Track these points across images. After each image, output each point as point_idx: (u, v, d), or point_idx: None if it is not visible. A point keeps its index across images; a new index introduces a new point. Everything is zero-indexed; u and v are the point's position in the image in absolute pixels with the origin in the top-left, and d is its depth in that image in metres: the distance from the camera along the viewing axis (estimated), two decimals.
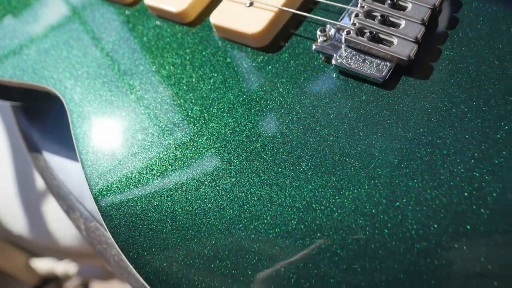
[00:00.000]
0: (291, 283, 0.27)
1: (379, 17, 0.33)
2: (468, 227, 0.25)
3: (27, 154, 0.52)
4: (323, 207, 0.28)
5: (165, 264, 0.29)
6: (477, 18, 0.33)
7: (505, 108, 0.29)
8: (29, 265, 0.91)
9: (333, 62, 0.33)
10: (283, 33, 0.37)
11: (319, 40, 0.35)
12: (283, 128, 0.32)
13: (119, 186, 0.33)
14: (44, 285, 0.93)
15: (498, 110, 0.29)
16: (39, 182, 0.74)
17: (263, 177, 0.31)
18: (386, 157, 0.29)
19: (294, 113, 0.33)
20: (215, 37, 0.39)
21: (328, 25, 0.35)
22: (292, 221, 0.28)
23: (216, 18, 0.38)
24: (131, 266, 0.30)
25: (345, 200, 0.28)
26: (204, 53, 0.38)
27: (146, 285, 0.30)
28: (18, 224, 0.73)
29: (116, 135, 0.36)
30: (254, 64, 0.36)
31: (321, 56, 0.35)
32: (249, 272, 0.28)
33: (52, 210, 0.72)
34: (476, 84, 0.30)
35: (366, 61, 0.33)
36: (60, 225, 0.72)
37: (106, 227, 0.33)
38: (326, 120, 0.32)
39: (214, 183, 0.31)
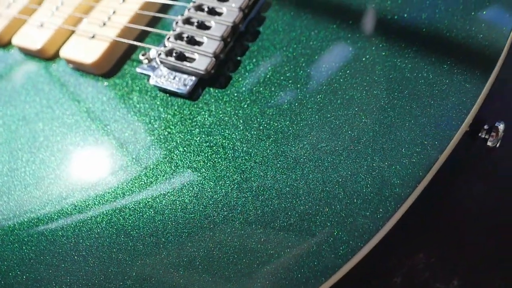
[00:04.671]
0: None
1: (185, 38, 0.37)
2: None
3: None
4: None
5: None
6: (275, 32, 0.37)
7: (276, 108, 0.33)
8: None
9: (150, 81, 0.37)
10: (123, 60, 0.41)
11: (143, 63, 0.39)
12: (103, 131, 0.36)
13: None
14: None
15: (271, 115, 0.33)
16: None
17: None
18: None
19: (116, 125, 0.37)
20: (67, 68, 0.43)
21: (152, 49, 0.39)
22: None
23: (65, 51, 0.42)
24: None
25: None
26: (56, 83, 0.42)
27: None
28: None
29: None
30: (91, 89, 0.40)
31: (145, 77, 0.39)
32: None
33: None
34: (268, 86, 0.34)
35: (176, 78, 0.37)
36: None
37: None
38: (141, 133, 0.36)
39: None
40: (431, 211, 0.34)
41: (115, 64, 0.41)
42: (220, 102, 0.35)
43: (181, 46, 0.37)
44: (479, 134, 0.32)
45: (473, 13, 0.33)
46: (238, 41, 0.38)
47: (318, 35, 0.35)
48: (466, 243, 0.34)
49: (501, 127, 0.31)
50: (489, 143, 0.32)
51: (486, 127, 0.32)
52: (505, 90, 0.36)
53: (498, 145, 0.32)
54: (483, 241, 0.34)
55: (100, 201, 0.33)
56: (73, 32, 0.44)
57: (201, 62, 0.36)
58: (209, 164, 0.32)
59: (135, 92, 0.38)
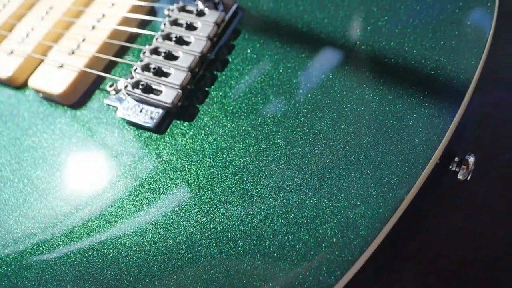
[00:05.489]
0: None
1: (152, 69, 0.36)
2: None
3: None
4: None
5: None
6: (244, 61, 0.36)
7: (245, 143, 0.32)
8: None
9: (117, 114, 0.36)
10: (92, 90, 0.41)
11: (111, 94, 0.38)
12: (70, 165, 0.35)
13: None
14: None
15: (241, 146, 0.32)
16: None
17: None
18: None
19: (82, 159, 0.36)
20: (37, 97, 0.42)
21: (120, 80, 0.38)
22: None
23: (33, 81, 0.42)
24: None
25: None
26: (25, 113, 0.41)
27: None
28: None
29: None
30: (58, 120, 0.39)
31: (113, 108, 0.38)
32: None
33: None
34: (235, 119, 0.33)
35: (143, 110, 0.36)
36: None
37: None
38: (106, 169, 0.35)
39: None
40: (404, 244, 0.34)
41: (84, 94, 0.40)
42: (186, 136, 0.34)
43: (148, 77, 0.36)
44: (450, 167, 0.31)
45: (442, 43, 0.32)
46: (208, 69, 0.37)
47: (286, 65, 0.35)
48: (440, 275, 0.34)
49: (471, 159, 0.31)
50: (459, 176, 0.31)
51: (456, 159, 0.31)
52: (477, 120, 0.35)
53: (469, 177, 0.31)
54: (459, 271, 0.34)
55: (64, 241, 0.32)
56: (42, 60, 0.43)
57: (168, 94, 0.35)
58: (174, 203, 0.31)
59: (103, 125, 0.37)
